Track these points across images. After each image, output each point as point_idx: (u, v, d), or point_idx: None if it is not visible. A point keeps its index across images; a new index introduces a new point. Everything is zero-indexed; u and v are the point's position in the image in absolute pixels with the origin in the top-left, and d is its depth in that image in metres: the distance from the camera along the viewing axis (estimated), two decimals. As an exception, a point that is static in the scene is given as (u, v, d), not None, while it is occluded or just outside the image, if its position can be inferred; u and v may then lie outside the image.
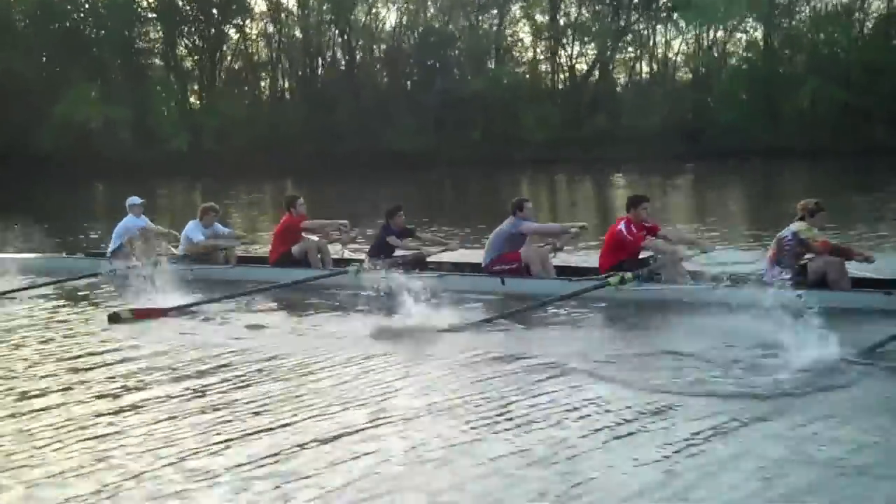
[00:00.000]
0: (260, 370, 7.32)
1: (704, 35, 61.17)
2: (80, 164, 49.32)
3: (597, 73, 63.99)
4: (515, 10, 64.15)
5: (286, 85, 63.86)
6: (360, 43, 62.73)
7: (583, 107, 61.77)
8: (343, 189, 35.21)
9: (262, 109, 60.48)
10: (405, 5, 63.10)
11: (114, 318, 9.39)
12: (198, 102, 59.54)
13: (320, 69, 63.64)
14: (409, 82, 61.40)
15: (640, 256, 10.28)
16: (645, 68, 64.96)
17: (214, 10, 61.15)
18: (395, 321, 8.64)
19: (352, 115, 55.52)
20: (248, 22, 63.12)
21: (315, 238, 12.51)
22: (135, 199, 13.76)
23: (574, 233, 11.27)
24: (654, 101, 58.93)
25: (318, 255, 12.27)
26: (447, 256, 12.21)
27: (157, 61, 62.69)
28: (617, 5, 62.25)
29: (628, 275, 9.67)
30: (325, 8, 62.49)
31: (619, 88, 64.88)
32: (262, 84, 64.57)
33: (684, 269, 10.08)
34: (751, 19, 59.33)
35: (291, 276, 11.38)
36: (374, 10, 63.04)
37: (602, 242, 10.99)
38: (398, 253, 11.80)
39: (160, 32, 61.62)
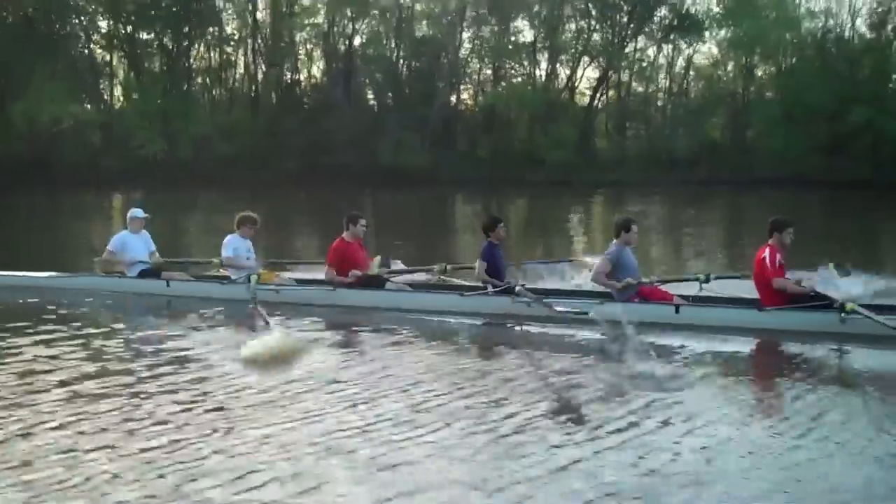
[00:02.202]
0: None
1: (734, 56, 59.89)
2: (35, 169, 47.13)
3: (618, 90, 63.25)
4: (519, 23, 62.16)
5: (271, 93, 60.60)
6: (351, 50, 59.86)
7: (598, 126, 61.33)
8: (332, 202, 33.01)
9: (244, 116, 57.29)
10: (399, 14, 60.41)
11: None
12: (172, 106, 55.82)
13: (309, 76, 61.93)
14: (404, 93, 58.60)
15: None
16: (667, 87, 64.02)
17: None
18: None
19: (342, 127, 53.09)
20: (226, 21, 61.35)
21: None
22: (137, 212, 12.61)
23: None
24: (679, 121, 56.91)
25: None
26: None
27: (125, 61, 60.44)
28: (633, 21, 60.46)
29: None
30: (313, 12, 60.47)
31: (642, 107, 63.52)
32: (242, 88, 61.95)
33: None
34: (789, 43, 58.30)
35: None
36: (366, 20, 60.58)
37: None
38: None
39: (133, 32, 59.41)
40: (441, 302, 10.78)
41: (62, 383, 7.21)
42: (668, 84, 62.97)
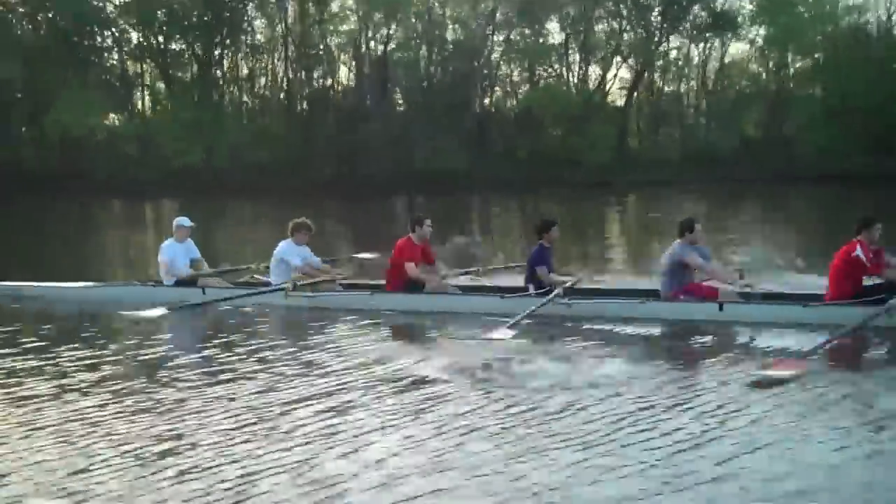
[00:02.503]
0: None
1: (771, 52, 59.55)
2: (68, 180, 48.02)
3: (652, 89, 63.31)
4: (550, 25, 62.18)
5: (303, 100, 61.17)
6: (384, 55, 59.95)
7: (634, 126, 61.39)
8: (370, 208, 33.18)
9: (277, 124, 57.45)
10: (430, 18, 60.66)
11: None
12: (204, 116, 56.12)
13: (341, 83, 61.99)
14: (438, 97, 58.79)
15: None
16: (701, 85, 63.38)
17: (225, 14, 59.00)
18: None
19: (376, 132, 53.64)
20: (259, 27, 61.61)
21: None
22: (183, 221, 12.33)
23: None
24: (715, 119, 56.50)
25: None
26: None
27: (156, 71, 60.93)
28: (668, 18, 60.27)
29: None
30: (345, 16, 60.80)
31: (678, 106, 63.27)
32: (274, 96, 62.02)
33: None
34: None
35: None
36: (397, 25, 60.57)
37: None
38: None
39: (164, 42, 59.82)
40: (483, 304, 10.72)
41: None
42: (702, 82, 62.54)
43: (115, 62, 60.39)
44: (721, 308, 9.72)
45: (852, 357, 8.47)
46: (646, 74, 61.67)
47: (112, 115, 54.38)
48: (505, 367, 7.90)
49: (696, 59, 62.41)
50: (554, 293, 10.14)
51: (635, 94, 62.12)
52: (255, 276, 12.45)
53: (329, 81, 61.44)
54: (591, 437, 5.85)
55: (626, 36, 61.50)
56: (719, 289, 10.17)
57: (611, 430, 5.98)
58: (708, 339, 9.09)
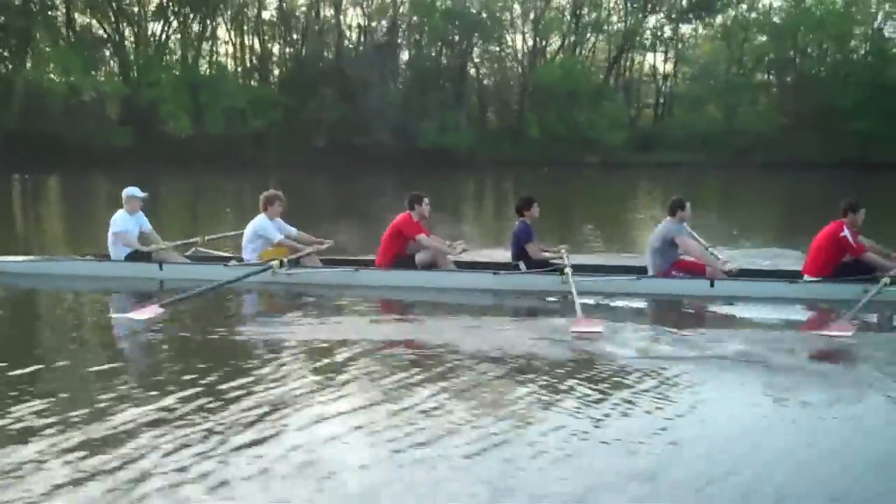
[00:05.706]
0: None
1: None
2: (42, 148, 47.97)
3: (675, 69, 64.87)
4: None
5: (300, 69, 61.67)
6: (382, 23, 60.71)
7: (657, 104, 63.07)
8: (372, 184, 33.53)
9: (271, 93, 57.93)
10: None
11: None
12: (193, 81, 56.29)
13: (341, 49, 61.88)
14: (442, 70, 60.06)
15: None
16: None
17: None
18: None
19: (377, 105, 54.13)
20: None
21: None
22: (134, 191, 11.89)
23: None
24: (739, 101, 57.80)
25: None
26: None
27: (136, 30, 60.52)
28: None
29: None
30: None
31: (697, 87, 64.06)
32: (269, 64, 62.91)
33: None
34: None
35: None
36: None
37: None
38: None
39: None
40: (473, 281, 11.20)
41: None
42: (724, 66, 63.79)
43: (92, 21, 59.96)
44: (712, 285, 10.50)
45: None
46: (663, 56, 63.91)
47: (90, 78, 53.84)
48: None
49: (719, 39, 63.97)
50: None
51: (653, 74, 64.24)
52: (199, 249, 12.47)
53: (328, 52, 61.88)
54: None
55: (640, 15, 62.99)
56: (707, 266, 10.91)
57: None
58: (697, 315, 9.87)
